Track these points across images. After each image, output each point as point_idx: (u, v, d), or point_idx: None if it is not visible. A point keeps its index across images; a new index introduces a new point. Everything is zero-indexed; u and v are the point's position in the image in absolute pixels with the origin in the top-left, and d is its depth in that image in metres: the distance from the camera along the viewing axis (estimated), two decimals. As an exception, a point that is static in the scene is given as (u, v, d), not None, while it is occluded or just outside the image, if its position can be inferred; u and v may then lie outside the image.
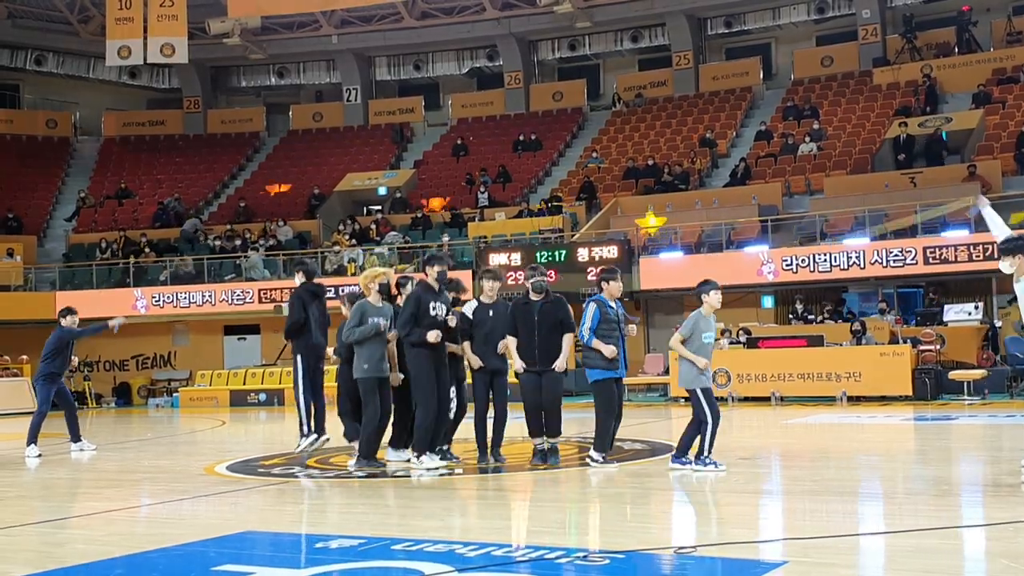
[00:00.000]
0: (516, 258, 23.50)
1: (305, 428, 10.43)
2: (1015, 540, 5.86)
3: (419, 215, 28.59)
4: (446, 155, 33.22)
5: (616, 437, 10.10)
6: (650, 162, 28.53)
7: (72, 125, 36.82)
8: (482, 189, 29.35)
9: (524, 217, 26.76)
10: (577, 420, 14.01)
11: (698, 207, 25.37)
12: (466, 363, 10.07)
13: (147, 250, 29.31)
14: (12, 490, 9.85)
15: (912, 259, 20.60)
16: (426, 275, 9.77)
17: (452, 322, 9.58)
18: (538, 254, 23.18)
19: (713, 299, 9.01)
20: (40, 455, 12.26)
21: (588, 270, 21.81)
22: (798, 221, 23.78)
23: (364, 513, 7.72)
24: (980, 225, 21.36)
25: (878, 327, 19.44)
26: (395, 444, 10.24)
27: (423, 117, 35.80)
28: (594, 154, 30.48)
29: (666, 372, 19.72)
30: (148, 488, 9.76)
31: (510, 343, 9.74)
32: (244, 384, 24.63)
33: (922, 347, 18.41)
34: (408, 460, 9.89)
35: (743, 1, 32.39)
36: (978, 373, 17.77)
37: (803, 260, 21.52)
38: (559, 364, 9.67)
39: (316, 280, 11.06)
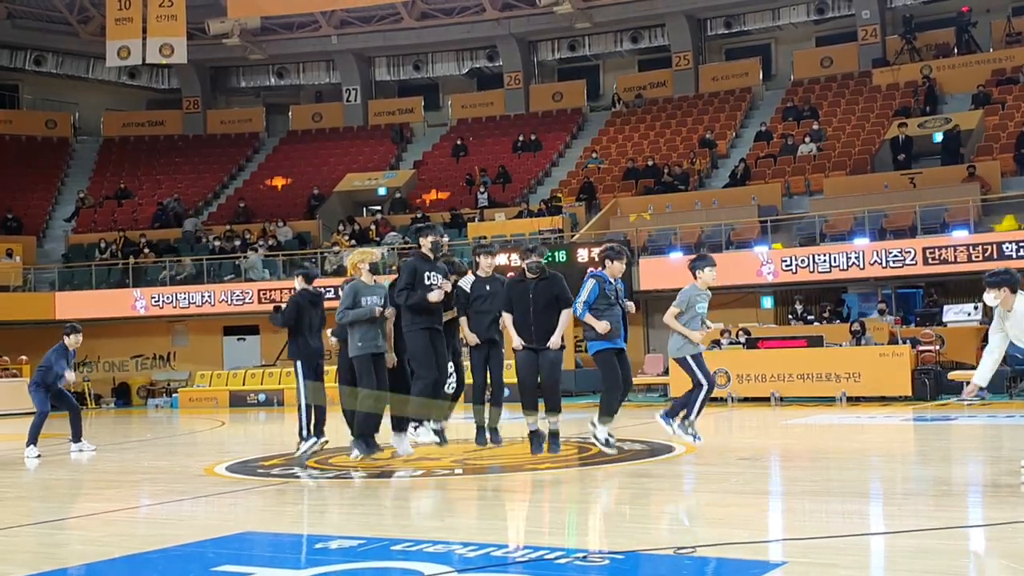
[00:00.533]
0: (516, 259, 23.47)
1: (304, 432, 10.44)
2: (1015, 540, 5.86)
3: (419, 215, 28.58)
4: (446, 155, 33.22)
5: (616, 437, 10.10)
6: (650, 162, 28.53)
7: (71, 125, 36.83)
8: (482, 189, 29.35)
9: (524, 217, 26.76)
10: (577, 420, 14.00)
11: (698, 208, 25.37)
12: (462, 337, 10.17)
13: (146, 250, 29.32)
14: (12, 491, 9.84)
15: (911, 259, 20.61)
16: (419, 245, 9.86)
17: (447, 286, 9.64)
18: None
19: (707, 276, 9.07)
20: (40, 456, 12.25)
21: (588, 271, 21.79)
22: (798, 221, 23.78)
23: (364, 513, 7.71)
24: (979, 227, 21.40)
25: (878, 327, 19.44)
26: (396, 427, 10.23)
27: (423, 117, 35.80)
28: (594, 154, 30.48)
29: (666, 372, 19.71)
30: (147, 489, 9.75)
31: (507, 320, 9.79)
32: (243, 385, 24.63)
33: (922, 347, 18.42)
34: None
35: (743, 2, 32.39)
36: (978, 373, 17.74)
37: (803, 260, 21.52)
38: (554, 341, 9.70)
39: (315, 284, 11.08)
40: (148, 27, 31.06)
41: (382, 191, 31.61)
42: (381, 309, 9.69)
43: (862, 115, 28.82)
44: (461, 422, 11.57)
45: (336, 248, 27.26)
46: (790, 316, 22.28)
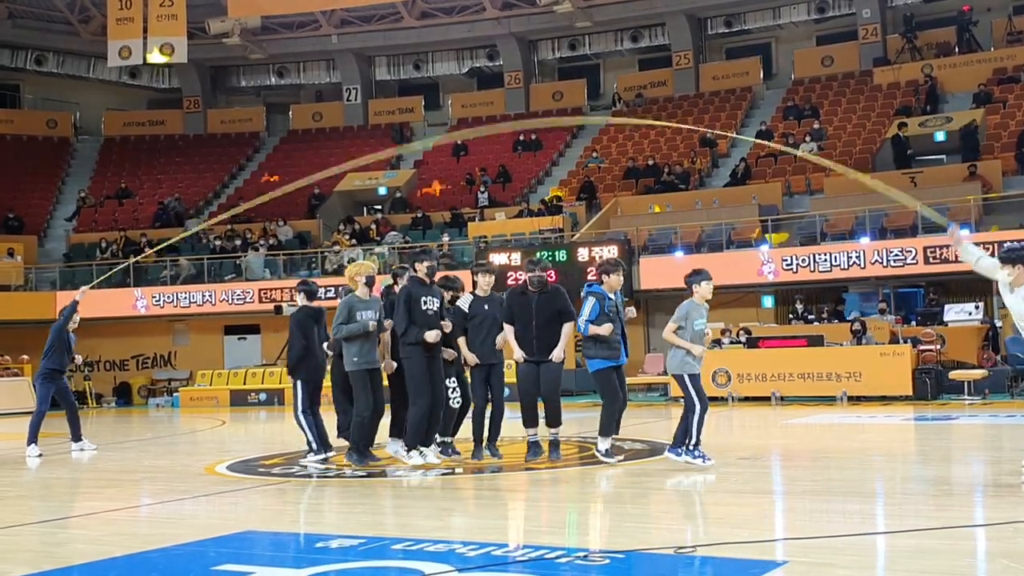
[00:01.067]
0: (516, 258, 23.49)
1: (315, 445, 10.38)
2: (1015, 540, 5.86)
3: (419, 215, 28.59)
4: (446, 155, 33.22)
5: (616, 437, 10.10)
6: (650, 162, 28.53)
7: (72, 125, 36.84)
8: (482, 189, 29.35)
9: (524, 217, 26.76)
10: (576, 420, 14.00)
11: (698, 207, 25.36)
12: (462, 358, 10.10)
13: (147, 250, 29.30)
14: (12, 490, 9.85)
15: (912, 259, 20.60)
16: (416, 271, 9.82)
17: (448, 327, 9.56)
18: (538, 254, 23.14)
19: (704, 290, 9.07)
20: (40, 455, 12.25)
21: (588, 270, 21.80)
22: (798, 221, 23.78)
23: (364, 513, 7.72)
24: (980, 225, 21.39)
25: (878, 327, 19.44)
26: (394, 432, 10.20)
27: (423, 117, 35.79)
28: (594, 154, 30.48)
29: (666, 372, 19.69)
30: (148, 488, 9.75)
31: (508, 333, 9.75)
32: (244, 384, 24.64)
33: (922, 347, 18.41)
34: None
35: (743, 1, 32.38)
36: (978, 373, 17.77)
37: (803, 260, 21.52)
38: (556, 354, 9.69)
39: (317, 305, 10.98)
40: (148, 26, 31.08)
41: (382, 191, 31.62)
42: (375, 324, 9.65)
43: (863, 114, 28.81)
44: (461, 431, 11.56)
45: (336, 248, 27.26)
46: (790, 316, 22.27)
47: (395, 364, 9.88)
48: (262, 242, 28.45)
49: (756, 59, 32.92)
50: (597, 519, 7.32)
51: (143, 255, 24.42)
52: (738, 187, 26.08)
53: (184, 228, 30.63)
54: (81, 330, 13.37)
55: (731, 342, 19.52)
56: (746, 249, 22.67)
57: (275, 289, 25.64)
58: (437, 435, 9.95)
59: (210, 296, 26.54)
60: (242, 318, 27.09)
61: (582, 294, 9.59)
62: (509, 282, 22.40)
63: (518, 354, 9.68)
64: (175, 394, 25.77)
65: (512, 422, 10.80)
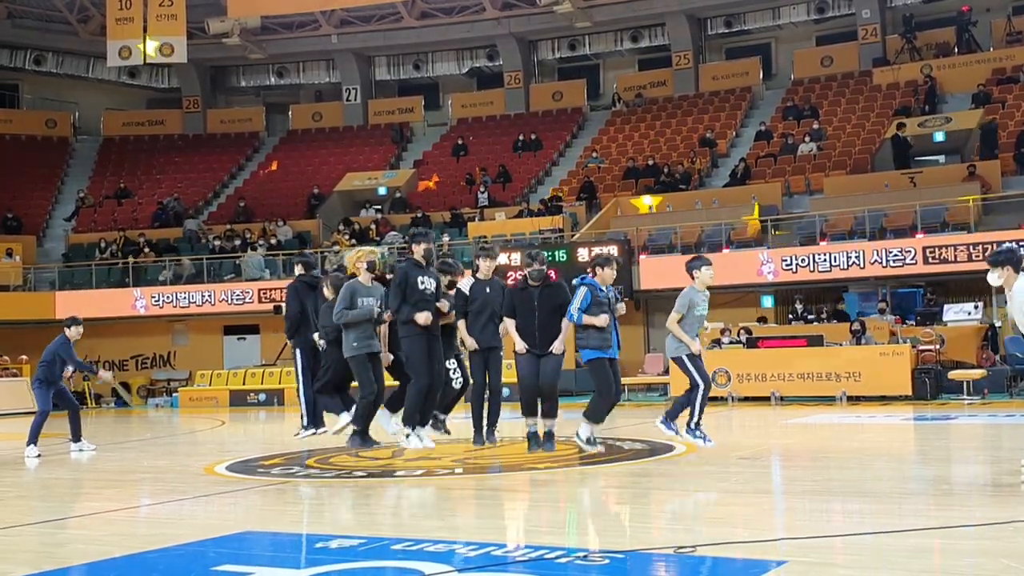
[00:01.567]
0: (516, 258, 23.47)
1: (306, 420, 10.48)
2: (1015, 540, 5.86)
3: (419, 215, 28.58)
4: (446, 155, 33.22)
5: (616, 437, 10.11)
6: (650, 162, 28.53)
7: (71, 125, 36.82)
8: (482, 189, 29.35)
9: (524, 217, 26.76)
10: (576, 420, 13.97)
11: (698, 207, 25.36)
12: (459, 341, 10.17)
13: (146, 250, 29.32)
14: (12, 490, 9.84)
15: (912, 259, 20.60)
16: (412, 252, 9.86)
17: (444, 307, 9.65)
18: (538, 253, 23.15)
19: (704, 275, 9.15)
20: (40, 455, 12.25)
21: (588, 271, 21.79)
22: (798, 221, 23.77)
23: (364, 513, 7.72)
24: (979, 226, 21.39)
25: (878, 327, 19.44)
26: (390, 406, 10.26)
27: (423, 117, 35.78)
28: (594, 154, 30.48)
29: (666, 372, 19.71)
30: (148, 488, 9.75)
31: (509, 325, 9.80)
32: (244, 384, 24.62)
33: (922, 347, 18.41)
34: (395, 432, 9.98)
35: (743, 1, 32.38)
36: (978, 373, 17.78)
37: (803, 260, 21.51)
38: (557, 346, 9.75)
39: (314, 273, 11.13)
40: (148, 26, 31.06)
41: (382, 190, 31.61)
42: (379, 310, 9.70)
43: (862, 114, 28.81)
44: (461, 421, 11.57)
45: (336, 248, 27.24)
46: (790, 316, 22.27)
47: (392, 357, 9.95)
48: (261, 242, 28.44)
49: (756, 59, 32.92)
50: (597, 519, 7.33)
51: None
52: (738, 187, 26.08)
53: (183, 228, 30.66)
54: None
55: (731, 342, 19.52)
56: (746, 249, 22.66)
57: (274, 289, 25.61)
58: (426, 426, 10.06)
59: (209, 296, 26.53)
60: (241, 318, 27.08)
61: (574, 282, 9.68)
62: (509, 282, 22.42)
63: (520, 345, 9.74)
64: (174, 394, 25.76)
65: (510, 421, 10.81)
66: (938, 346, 18.56)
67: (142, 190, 33.87)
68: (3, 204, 32.02)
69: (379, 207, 30.95)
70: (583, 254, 22.94)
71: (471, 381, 10.30)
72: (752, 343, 18.93)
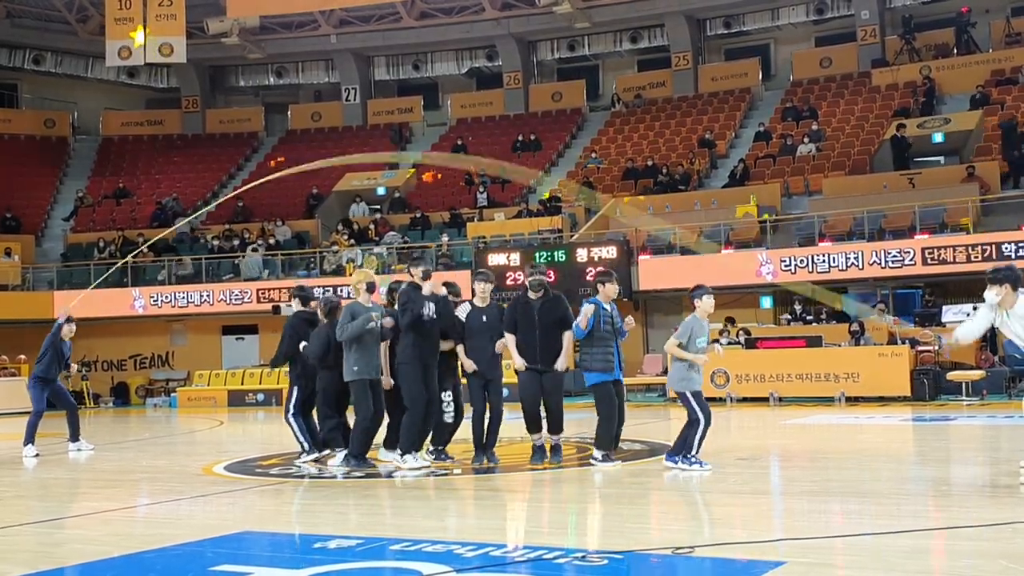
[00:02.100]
0: (515, 259, 23.49)
1: (307, 446, 10.42)
2: (1014, 540, 5.85)
3: (418, 215, 28.57)
4: (446, 155, 33.17)
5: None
6: (649, 163, 28.53)
7: (70, 125, 36.80)
8: (481, 189, 29.34)
9: (523, 217, 26.75)
10: (576, 420, 13.99)
11: (697, 208, 25.35)
12: (459, 366, 10.09)
13: (145, 250, 29.25)
14: (10, 490, 9.83)
15: (910, 260, 20.60)
16: (411, 275, 9.83)
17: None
18: (537, 254, 23.16)
19: (706, 304, 9.14)
20: (37, 455, 12.25)
21: (587, 270, 21.80)
22: (797, 222, 23.76)
23: (362, 513, 7.71)
24: (978, 227, 21.39)
25: (876, 328, 19.44)
26: (388, 445, 10.24)
27: (422, 117, 35.77)
28: (593, 154, 30.47)
29: (664, 372, 19.68)
30: (146, 488, 9.74)
31: (509, 341, 9.74)
32: (242, 384, 24.61)
33: (920, 348, 18.42)
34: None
35: (742, 2, 32.38)
36: (976, 374, 17.78)
37: (802, 261, 21.51)
38: (560, 364, 9.71)
39: (313, 305, 10.99)
40: (148, 26, 31.05)
41: (381, 191, 31.60)
42: (378, 316, 9.65)
43: (861, 115, 28.81)
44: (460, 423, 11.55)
45: (335, 248, 27.25)
46: (789, 316, 22.25)
47: (392, 381, 9.89)
48: (260, 242, 28.42)
49: (755, 60, 32.92)
50: (595, 519, 7.32)
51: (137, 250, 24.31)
52: (737, 188, 26.06)
53: (174, 226, 30.59)
54: (79, 330, 13.38)
55: (729, 342, 19.52)
56: (745, 250, 22.66)
57: (273, 289, 25.61)
58: (430, 443, 10.01)
59: (208, 296, 26.51)
60: (240, 318, 27.06)
61: (583, 304, 9.65)
62: (508, 282, 22.44)
63: (519, 363, 9.68)
64: (173, 394, 25.74)
65: (511, 423, 10.79)
66: (937, 347, 18.57)
67: (141, 190, 33.85)
68: (2, 203, 31.98)
69: (377, 207, 30.92)
70: (582, 255, 22.95)
71: (472, 405, 10.16)
72: (751, 344, 18.93)
